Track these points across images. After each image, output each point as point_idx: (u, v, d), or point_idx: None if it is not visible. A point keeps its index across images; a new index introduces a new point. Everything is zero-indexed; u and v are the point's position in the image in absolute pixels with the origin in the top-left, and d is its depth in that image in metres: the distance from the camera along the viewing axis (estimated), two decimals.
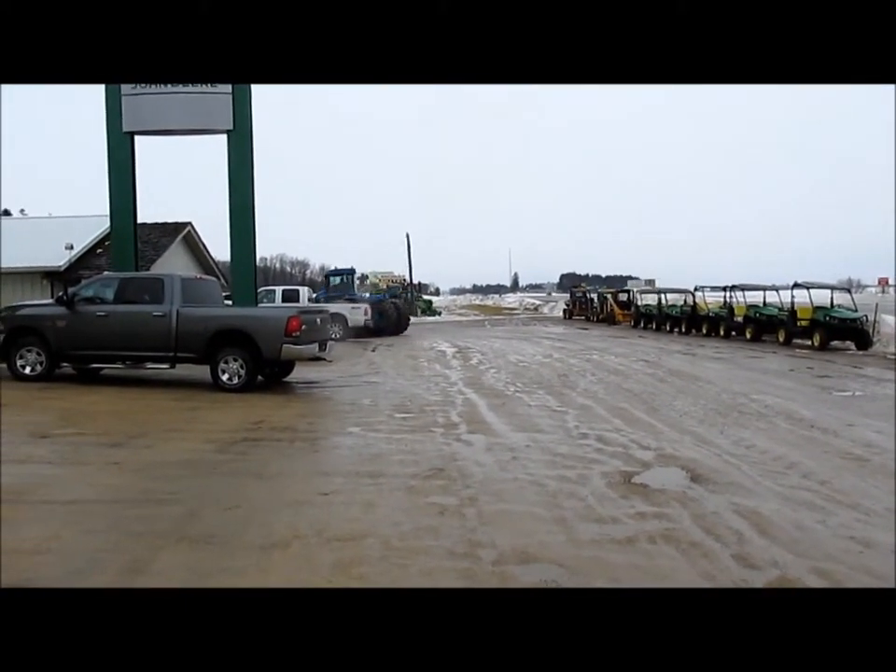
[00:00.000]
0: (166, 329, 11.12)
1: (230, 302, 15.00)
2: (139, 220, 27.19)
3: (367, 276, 71.36)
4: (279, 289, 25.01)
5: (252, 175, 16.13)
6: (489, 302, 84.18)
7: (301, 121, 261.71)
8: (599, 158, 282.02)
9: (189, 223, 25.34)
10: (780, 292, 21.78)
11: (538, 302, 70.82)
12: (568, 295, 48.53)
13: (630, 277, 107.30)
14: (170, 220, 25.26)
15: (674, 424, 8.38)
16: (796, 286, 20.26)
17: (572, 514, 5.08)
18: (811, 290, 19.71)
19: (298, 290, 24.87)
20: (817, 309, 19.52)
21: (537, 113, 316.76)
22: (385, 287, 58.81)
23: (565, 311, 45.89)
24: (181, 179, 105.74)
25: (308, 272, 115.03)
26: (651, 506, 5.28)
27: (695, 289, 27.16)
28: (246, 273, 16.30)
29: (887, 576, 4.00)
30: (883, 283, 72.75)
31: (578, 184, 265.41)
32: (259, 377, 12.16)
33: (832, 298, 20.08)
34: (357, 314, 24.08)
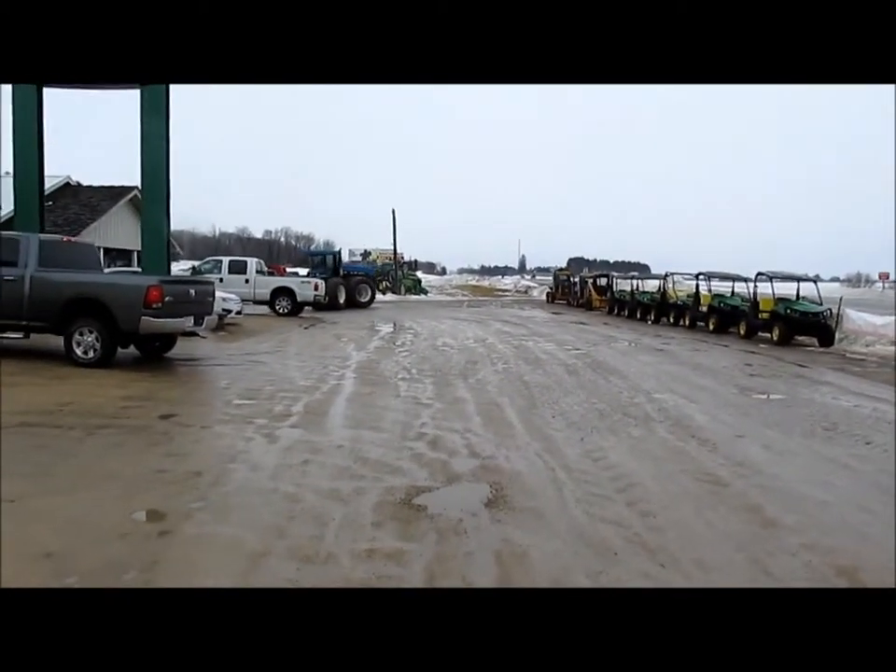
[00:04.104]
0: (19, 294, 9.95)
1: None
2: (90, 183, 26.32)
3: (370, 253, 70.39)
4: (226, 259, 23.76)
5: (167, 133, 14.79)
6: (485, 284, 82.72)
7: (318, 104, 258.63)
8: (619, 148, 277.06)
9: (136, 187, 24.08)
10: (749, 283, 20.41)
11: (531, 285, 69.68)
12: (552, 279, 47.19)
13: (638, 264, 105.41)
14: (116, 184, 24.14)
15: (536, 427, 7.20)
16: (759, 276, 18.92)
17: (284, 549, 3.94)
18: (774, 281, 18.37)
19: (245, 261, 23.58)
20: (778, 301, 18.17)
21: (548, 104, 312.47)
22: (380, 263, 57.66)
23: (548, 294, 44.61)
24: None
25: (312, 246, 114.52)
26: (398, 540, 4.13)
27: (666, 276, 25.70)
28: (158, 238, 14.99)
29: None
30: (883, 277, 70.78)
31: (592, 171, 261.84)
32: (140, 352, 11.11)
33: (797, 290, 18.75)
34: (306, 289, 23.01)
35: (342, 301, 27.95)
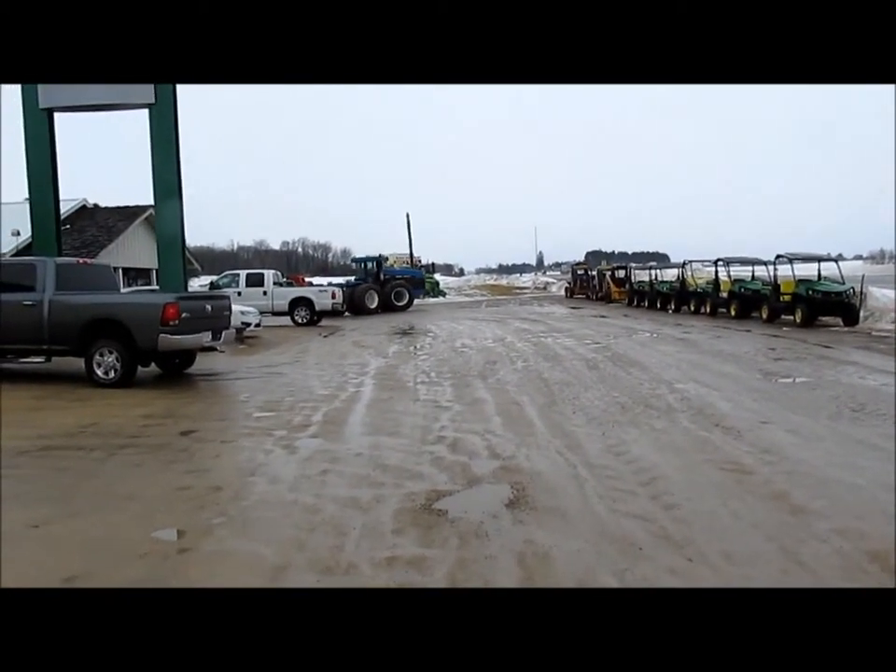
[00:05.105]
0: (38, 319, 10.07)
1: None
2: (106, 204, 26.58)
3: (387, 258, 70.66)
4: (243, 273, 23.93)
5: (177, 152, 14.93)
6: (503, 282, 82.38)
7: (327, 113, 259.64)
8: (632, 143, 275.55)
9: (151, 206, 24.29)
10: (770, 266, 20.09)
11: (550, 281, 69.39)
12: (570, 273, 46.95)
13: (657, 254, 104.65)
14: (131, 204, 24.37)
15: (557, 424, 7.12)
16: (779, 258, 18.65)
17: (304, 561, 3.91)
18: (794, 263, 18.09)
19: (263, 274, 23.71)
20: (800, 282, 17.89)
21: (551, 102, 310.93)
22: (397, 267, 57.83)
23: (566, 289, 44.41)
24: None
25: (330, 255, 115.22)
26: (418, 546, 4.08)
27: (684, 264, 25.42)
28: (173, 255, 15.13)
29: None
30: None
31: (601, 168, 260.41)
32: (161, 370, 11.19)
33: (819, 270, 18.45)
34: (324, 297, 23.11)
35: (372, 305, 28.57)
